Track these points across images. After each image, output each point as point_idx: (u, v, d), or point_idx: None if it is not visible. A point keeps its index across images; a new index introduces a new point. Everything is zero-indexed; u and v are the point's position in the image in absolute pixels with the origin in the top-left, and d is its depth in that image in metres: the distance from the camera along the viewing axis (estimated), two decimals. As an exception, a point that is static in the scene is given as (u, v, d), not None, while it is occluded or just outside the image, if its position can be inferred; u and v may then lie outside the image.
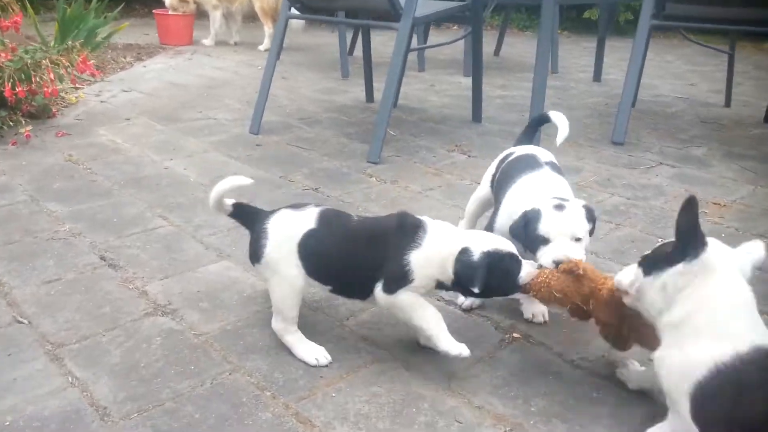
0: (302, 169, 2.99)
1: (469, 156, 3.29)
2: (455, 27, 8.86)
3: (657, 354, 1.27)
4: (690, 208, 1.21)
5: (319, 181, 2.84)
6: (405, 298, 1.51)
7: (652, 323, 1.33)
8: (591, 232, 1.65)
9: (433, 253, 1.50)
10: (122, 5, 6.19)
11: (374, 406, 1.42)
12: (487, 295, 1.60)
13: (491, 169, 2.11)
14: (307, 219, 1.57)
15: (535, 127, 2.31)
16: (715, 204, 2.72)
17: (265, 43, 6.71)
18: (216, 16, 6.87)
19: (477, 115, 3.97)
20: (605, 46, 5.52)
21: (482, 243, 1.50)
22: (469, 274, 1.47)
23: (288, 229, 1.57)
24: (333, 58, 5.89)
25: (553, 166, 1.89)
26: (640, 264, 1.34)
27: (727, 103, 4.72)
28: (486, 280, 1.46)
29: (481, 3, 3.71)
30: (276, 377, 1.51)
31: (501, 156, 2.09)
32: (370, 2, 3.33)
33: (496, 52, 6.93)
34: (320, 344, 1.62)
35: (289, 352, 1.60)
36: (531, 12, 9.44)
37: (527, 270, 1.52)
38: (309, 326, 1.70)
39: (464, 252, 1.48)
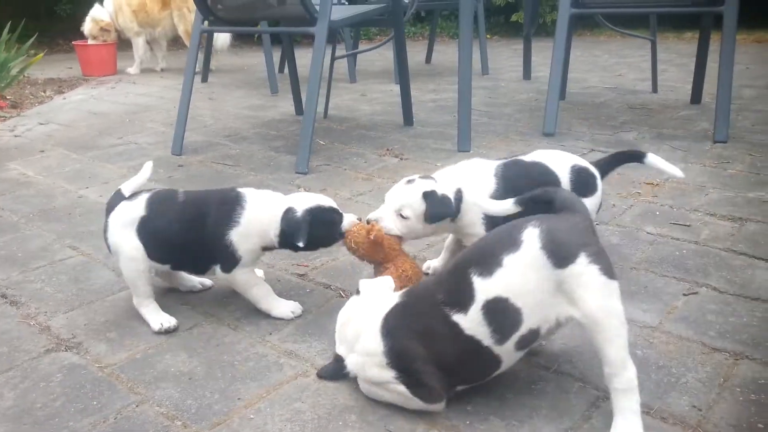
0: (226, 186, 2.84)
1: (401, 159, 3.21)
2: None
3: None
4: None
5: (245, 196, 2.70)
6: (240, 275, 1.68)
7: None
8: (428, 216, 1.68)
9: (252, 226, 1.64)
10: (35, 36, 5.93)
11: (297, 425, 1.29)
12: (314, 246, 1.69)
13: None
14: (138, 207, 1.68)
15: (616, 164, 1.97)
16: (648, 184, 2.69)
17: (192, 67, 6.53)
18: (139, 43, 6.66)
19: (408, 119, 3.90)
20: (532, 45, 5.56)
21: (304, 202, 1.66)
22: (294, 230, 1.62)
23: (124, 219, 1.68)
24: (262, 77, 5.77)
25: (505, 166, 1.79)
26: None
27: (654, 89, 4.78)
28: (310, 232, 1.62)
29: (401, 6, 3.66)
30: (188, 404, 1.37)
31: None
32: (285, 10, 3.23)
33: (428, 59, 6.93)
34: (240, 364, 1.50)
35: (204, 375, 1.46)
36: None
37: (349, 220, 1.70)
38: (227, 345, 1.57)
39: (288, 211, 1.64)
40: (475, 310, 1.22)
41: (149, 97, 5.32)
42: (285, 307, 1.71)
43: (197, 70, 4.16)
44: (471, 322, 1.22)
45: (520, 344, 1.25)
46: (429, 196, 1.67)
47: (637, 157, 1.93)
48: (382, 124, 4.00)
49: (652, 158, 1.89)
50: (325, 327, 1.65)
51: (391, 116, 4.17)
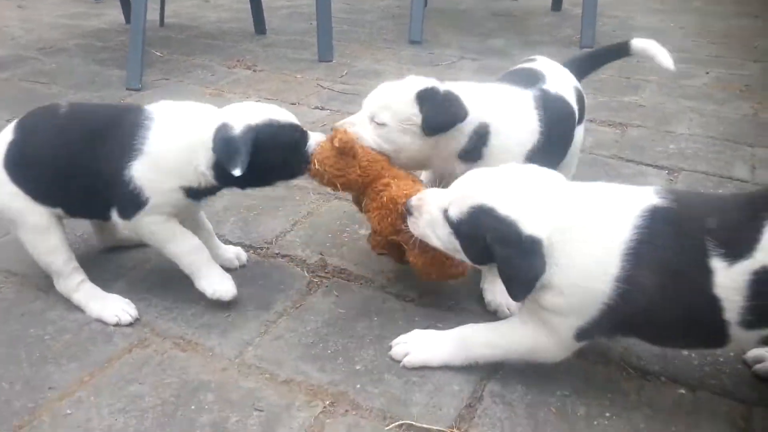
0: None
1: (254, 71, 2.80)
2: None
3: None
4: None
5: (62, 120, 2.20)
6: (148, 223, 1.16)
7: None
8: (426, 123, 1.20)
9: (166, 157, 1.13)
10: None
11: (133, 416, 0.97)
12: (272, 177, 1.20)
13: None
14: (3, 134, 1.19)
15: (598, 64, 1.67)
16: (523, 91, 2.52)
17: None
18: None
19: (260, 27, 3.45)
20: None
21: (247, 115, 1.14)
22: (229, 153, 1.09)
23: None
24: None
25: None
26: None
27: (512, -4, 4.64)
28: (259, 157, 1.10)
29: None
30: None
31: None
32: None
33: (277, -36, 6.33)
34: (53, 339, 1.13)
35: (3, 359, 1.09)
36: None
37: (316, 138, 1.21)
38: (35, 314, 1.19)
39: (222, 129, 1.11)
40: (743, 270, 0.87)
41: (-61, 4, 4.37)
42: (227, 283, 1.20)
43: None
44: (729, 280, 0.87)
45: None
46: (426, 96, 1.20)
47: (624, 50, 1.57)
48: (230, 32, 3.51)
49: (638, 43, 1.54)
50: (169, 278, 1.30)
51: (241, 24, 3.69)
